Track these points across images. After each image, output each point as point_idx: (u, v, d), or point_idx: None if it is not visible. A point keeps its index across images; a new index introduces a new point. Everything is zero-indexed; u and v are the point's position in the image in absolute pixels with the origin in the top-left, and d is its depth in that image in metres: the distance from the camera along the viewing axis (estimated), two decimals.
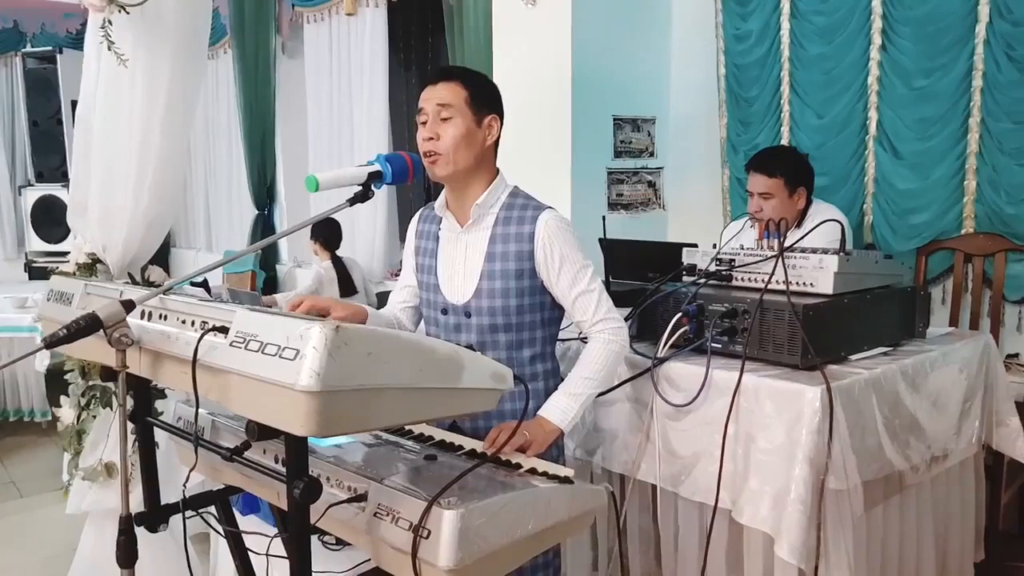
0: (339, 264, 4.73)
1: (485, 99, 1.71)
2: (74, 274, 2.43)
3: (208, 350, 1.19)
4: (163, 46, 2.13)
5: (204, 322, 1.25)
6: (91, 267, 2.41)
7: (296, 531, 1.24)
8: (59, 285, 1.66)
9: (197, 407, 1.28)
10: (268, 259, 6.30)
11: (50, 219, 6.17)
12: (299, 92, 6.04)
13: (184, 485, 1.55)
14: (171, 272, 7.63)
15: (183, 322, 1.30)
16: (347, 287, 4.72)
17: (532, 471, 1.52)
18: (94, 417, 2.46)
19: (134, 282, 2.51)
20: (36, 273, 6.07)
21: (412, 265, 1.87)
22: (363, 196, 1.60)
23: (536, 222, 1.70)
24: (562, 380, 1.77)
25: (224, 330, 1.18)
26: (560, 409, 1.69)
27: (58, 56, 6.34)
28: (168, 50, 2.14)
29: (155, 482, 1.66)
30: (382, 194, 5.22)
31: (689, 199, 3.70)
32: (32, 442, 4.59)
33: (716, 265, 2.04)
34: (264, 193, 6.31)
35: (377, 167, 1.61)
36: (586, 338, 1.76)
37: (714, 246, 2.14)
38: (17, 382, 4.93)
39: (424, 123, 1.69)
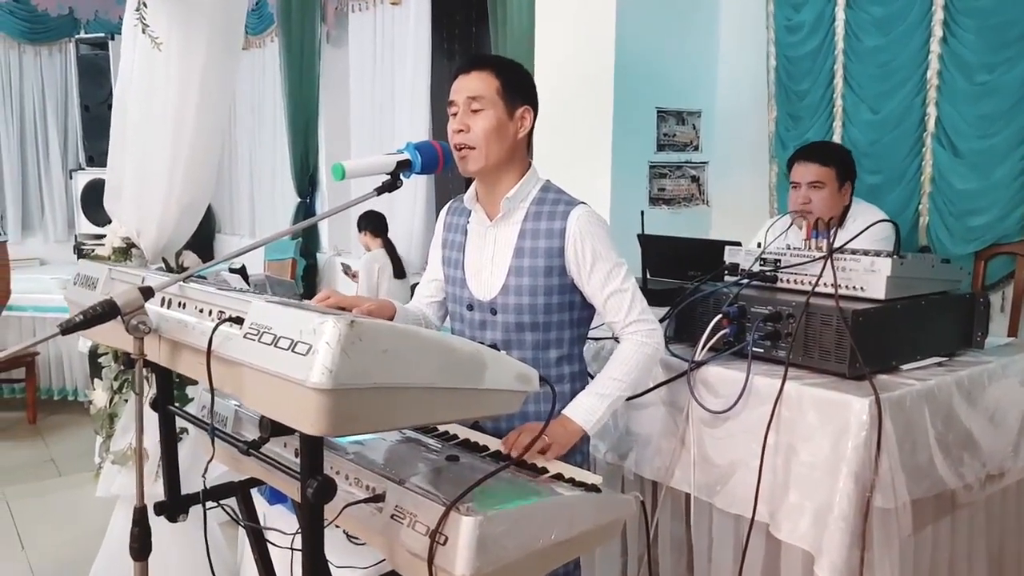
0: (391, 249, 4.73)
1: (518, 90, 1.64)
2: (109, 258, 2.44)
3: (223, 341, 1.15)
4: (198, 31, 2.11)
5: (221, 312, 1.22)
6: (126, 251, 2.42)
7: (309, 532, 1.19)
8: (85, 269, 1.65)
9: (212, 399, 1.24)
10: (309, 247, 6.35)
11: (99, 202, 6.24)
12: (343, 81, 6.05)
13: (203, 476, 1.53)
14: (215, 258, 7.74)
15: (200, 311, 1.27)
16: (400, 272, 4.72)
17: (558, 477, 1.46)
18: (126, 401, 2.47)
19: (168, 268, 2.51)
20: (85, 256, 6.20)
21: (439, 258, 1.82)
22: (391, 185, 1.56)
23: (568, 218, 1.63)
24: (590, 382, 1.70)
25: (239, 321, 1.14)
26: (585, 409, 1.62)
27: (110, 42, 6.44)
28: (203, 35, 2.11)
29: (175, 471, 1.64)
30: (421, 183, 5.19)
31: (734, 195, 3.59)
32: (74, 421, 4.69)
33: (760, 265, 1.95)
34: (306, 181, 6.35)
35: (406, 156, 1.56)
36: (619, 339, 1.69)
37: (759, 245, 2.04)
38: (62, 361, 5.04)
39: (455, 114, 1.64)
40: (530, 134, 1.69)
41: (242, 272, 3.85)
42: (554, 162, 3.39)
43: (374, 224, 4.72)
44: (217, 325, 1.15)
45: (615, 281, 1.63)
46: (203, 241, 8.19)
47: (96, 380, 2.51)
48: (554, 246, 1.63)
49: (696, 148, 3.57)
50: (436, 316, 1.86)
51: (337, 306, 1.57)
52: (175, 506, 1.63)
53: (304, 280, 6.19)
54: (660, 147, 3.43)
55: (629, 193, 3.29)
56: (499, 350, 1.21)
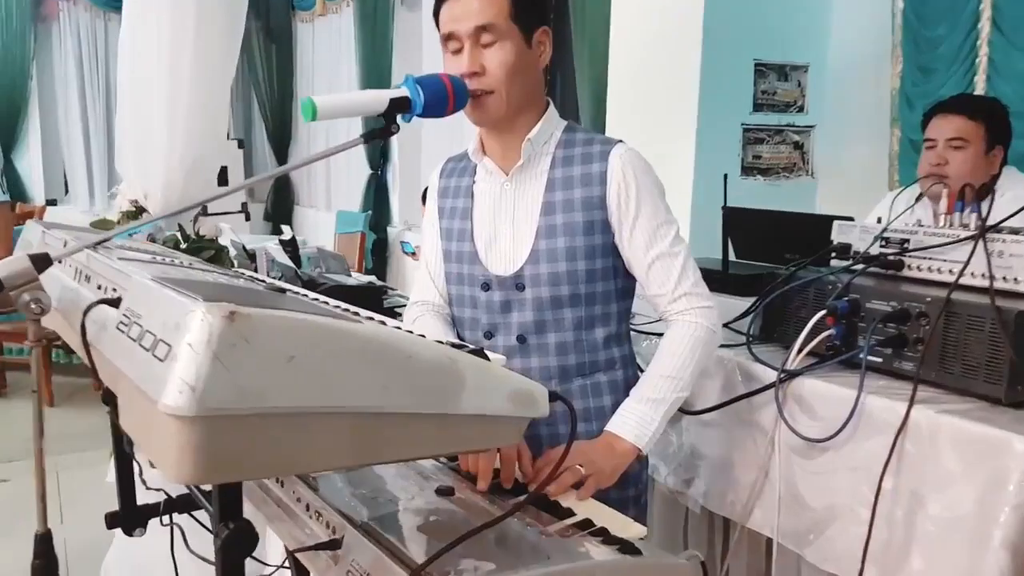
0: None
1: (532, 7, 1.29)
2: (118, 223, 2.22)
3: (99, 331, 0.84)
4: None
5: (114, 289, 0.90)
6: (135, 215, 2.19)
7: None
8: (28, 233, 1.38)
9: (116, 413, 0.93)
10: (379, 221, 6.21)
11: None
12: (416, 46, 5.81)
13: (145, 486, 1.27)
14: (294, 230, 7.68)
15: (99, 287, 0.96)
16: None
17: (586, 525, 1.07)
18: None
19: (184, 235, 2.27)
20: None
21: (436, 231, 1.45)
22: (385, 131, 1.20)
23: (609, 158, 1.29)
24: (640, 371, 1.36)
25: (118, 304, 0.82)
26: (636, 420, 1.25)
27: None
28: None
29: (129, 478, 1.36)
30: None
31: (846, 165, 3.18)
32: None
33: (881, 246, 1.48)
34: (378, 152, 6.19)
35: (404, 92, 1.20)
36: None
37: (879, 220, 1.58)
38: None
39: (457, 52, 1.27)
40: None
41: (291, 244, 3.59)
42: (628, 122, 3.00)
43: None
44: (89, 308, 0.83)
45: (662, 242, 1.29)
46: (282, 213, 8.19)
47: None
48: (593, 195, 1.29)
49: (801, 109, 3.15)
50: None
51: None
52: (130, 518, 1.35)
53: (373, 254, 6.00)
54: (757, 107, 3.04)
55: (717, 161, 2.89)
56: (486, 357, 0.83)
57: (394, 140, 6.13)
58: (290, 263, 3.18)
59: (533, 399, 0.85)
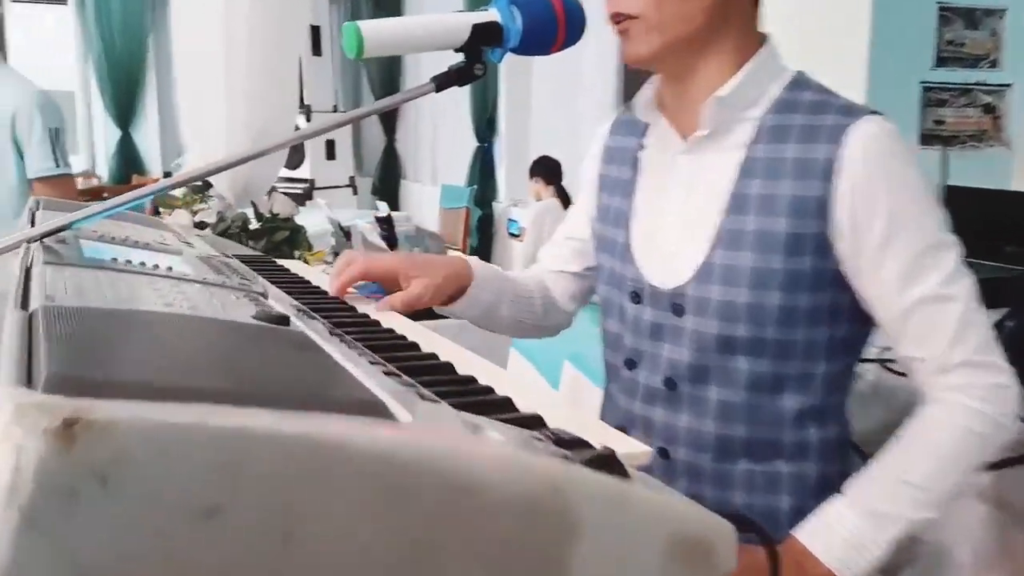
0: (566, 199, 4.26)
1: None
2: (183, 198, 2.00)
3: None
4: None
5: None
6: (201, 188, 1.96)
7: None
8: (49, 206, 1.13)
9: None
10: (486, 196, 6.11)
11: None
12: None
13: None
14: (400, 205, 7.56)
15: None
16: None
17: None
18: None
19: (257, 214, 2.03)
20: None
21: (592, 205, 1.08)
22: (467, 72, 0.84)
23: (845, 139, 0.83)
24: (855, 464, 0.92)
25: None
26: (850, 540, 0.82)
27: None
28: None
29: None
30: (608, 98, 4.49)
31: None
32: None
33: None
34: (485, 125, 6.08)
35: (493, 15, 0.84)
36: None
37: None
38: None
39: None
40: None
41: (387, 221, 3.31)
42: None
43: (547, 170, 4.15)
44: None
45: (929, 278, 0.82)
46: (389, 187, 8.08)
47: None
48: (810, 195, 0.85)
49: (994, 64, 2.74)
50: (566, 295, 1.13)
51: (363, 275, 0.94)
52: None
53: (479, 232, 5.78)
54: (940, 61, 2.67)
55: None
56: (623, 471, 0.44)
57: (501, 109, 5.83)
58: (382, 243, 2.92)
59: (708, 549, 0.45)
